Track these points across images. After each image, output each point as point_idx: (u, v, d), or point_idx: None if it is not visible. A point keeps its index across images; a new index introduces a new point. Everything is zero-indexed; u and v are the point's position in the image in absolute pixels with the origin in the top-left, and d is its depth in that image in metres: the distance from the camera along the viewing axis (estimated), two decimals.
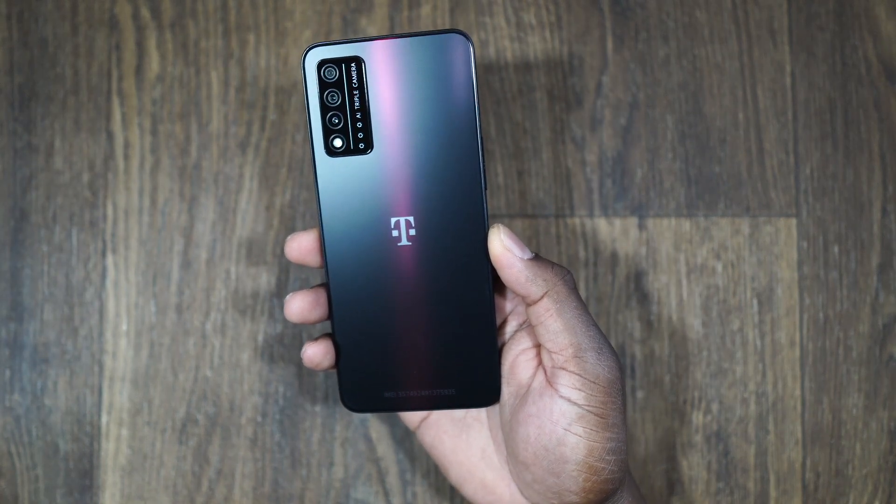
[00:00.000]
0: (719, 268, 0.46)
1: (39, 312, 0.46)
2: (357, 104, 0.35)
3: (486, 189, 0.36)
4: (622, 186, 0.46)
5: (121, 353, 0.46)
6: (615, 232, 0.46)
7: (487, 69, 0.47)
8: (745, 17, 0.47)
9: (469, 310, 0.37)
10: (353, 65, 0.35)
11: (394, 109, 0.35)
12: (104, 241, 0.46)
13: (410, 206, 0.36)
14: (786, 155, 0.47)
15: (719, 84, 0.47)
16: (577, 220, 0.46)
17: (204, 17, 0.47)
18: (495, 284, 0.37)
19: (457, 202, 0.36)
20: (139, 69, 0.47)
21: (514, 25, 0.47)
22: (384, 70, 0.35)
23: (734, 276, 0.46)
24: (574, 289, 0.36)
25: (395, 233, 0.36)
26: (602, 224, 0.46)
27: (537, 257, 0.35)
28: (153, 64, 0.47)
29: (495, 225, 0.35)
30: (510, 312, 0.38)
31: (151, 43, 0.47)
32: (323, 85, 0.35)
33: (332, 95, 0.35)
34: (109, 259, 0.46)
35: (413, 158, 0.36)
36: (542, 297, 0.35)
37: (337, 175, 0.36)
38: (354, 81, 0.35)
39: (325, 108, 0.36)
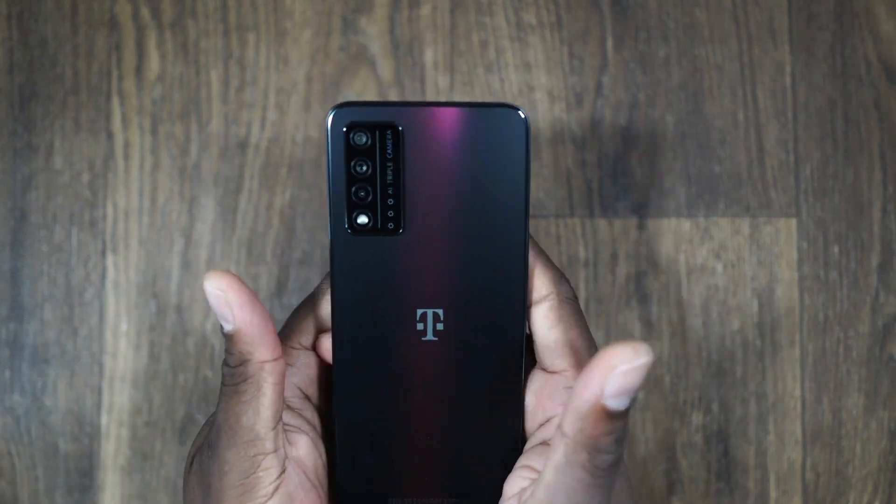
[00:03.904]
0: (719, 268, 0.46)
1: (39, 312, 0.46)
2: (390, 177, 0.30)
3: (528, 286, 0.32)
4: (622, 186, 0.46)
5: (121, 353, 0.46)
6: (615, 232, 0.46)
7: (487, 69, 0.47)
8: (745, 17, 0.47)
9: (494, 418, 0.33)
10: (388, 132, 0.30)
11: (431, 187, 0.31)
12: (104, 241, 0.46)
13: (441, 298, 0.32)
14: (786, 155, 0.47)
15: (719, 84, 0.47)
16: (577, 220, 0.46)
17: (204, 17, 0.47)
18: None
19: (493, 298, 0.32)
20: (139, 69, 0.47)
21: (514, 25, 0.47)
22: (423, 141, 0.30)
23: (734, 276, 0.46)
24: None
25: (420, 326, 0.32)
26: (602, 224, 0.46)
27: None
28: (153, 64, 0.47)
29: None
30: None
31: (151, 43, 0.47)
32: (351, 152, 0.30)
33: (361, 165, 0.30)
34: (109, 259, 0.46)
35: (448, 243, 0.31)
36: None
37: (358, 255, 0.31)
38: (389, 151, 0.30)
39: (351, 179, 0.30)
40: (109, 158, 0.46)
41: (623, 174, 0.47)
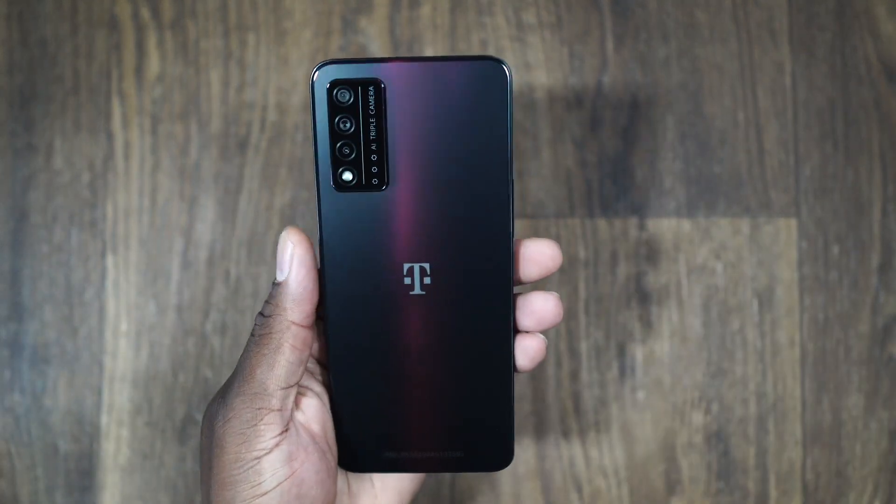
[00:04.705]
0: (719, 268, 0.46)
1: (39, 312, 0.46)
2: (373, 133, 0.31)
3: (513, 237, 0.32)
4: (622, 186, 0.46)
5: (121, 353, 0.46)
6: (615, 232, 0.46)
7: None
8: (745, 17, 0.47)
9: (484, 368, 0.33)
10: (370, 88, 0.31)
11: (414, 142, 0.31)
12: (104, 241, 0.46)
13: (427, 252, 0.32)
14: (786, 155, 0.47)
15: (719, 84, 0.47)
16: (577, 220, 0.46)
17: (204, 17, 0.47)
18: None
19: (480, 250, 0.32)
20: (139, 69, 0.47)
21: (514, 25, 0.47)
22: (406, 96, 0.31)
23: (734, 276, 0.46)
24: None
25: (407, 280, 0.32)
26: (602, 224, 0.46)
27: None
28: (153, 64, 0.47)
29: None
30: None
31: (151, 43, 0.47)
32: (334, 109, 0.31)
33: (345, 122, 0.31)
34: (109, 259, 0.46)
35: (433, 198, 0.32)
36: None
37: (344, 212, 0.32)
38: (371, 107, 0.31)
39: (335, 136, 0.31)
40: (109, 158, 0.46)
41: (623, 174, 0.47)
